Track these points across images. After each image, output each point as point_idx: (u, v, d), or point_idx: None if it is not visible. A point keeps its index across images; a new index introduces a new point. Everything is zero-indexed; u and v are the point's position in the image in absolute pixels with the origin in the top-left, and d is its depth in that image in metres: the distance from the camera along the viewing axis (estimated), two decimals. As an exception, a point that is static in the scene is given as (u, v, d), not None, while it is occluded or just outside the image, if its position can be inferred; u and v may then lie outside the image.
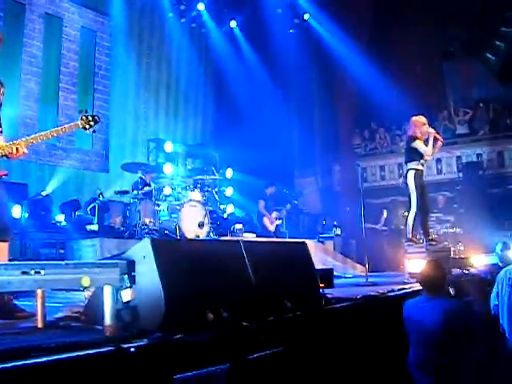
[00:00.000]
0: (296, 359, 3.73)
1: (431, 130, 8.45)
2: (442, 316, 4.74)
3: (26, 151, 4.56)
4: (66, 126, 4.83)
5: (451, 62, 15.98)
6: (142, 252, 3.57)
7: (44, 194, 10.06)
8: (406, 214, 8.83)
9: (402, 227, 10.71)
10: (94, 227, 9.33)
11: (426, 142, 8.44)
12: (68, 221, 9.63)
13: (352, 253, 11.24)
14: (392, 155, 15.37)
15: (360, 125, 16.12)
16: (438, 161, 14.86)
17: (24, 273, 3.24)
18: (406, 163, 8.65)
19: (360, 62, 13.84)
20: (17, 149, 4.50)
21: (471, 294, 7.01)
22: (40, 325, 3.75)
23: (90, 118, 4.83)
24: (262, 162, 12.09)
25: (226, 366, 2.99)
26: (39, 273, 3.28)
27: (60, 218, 9.73)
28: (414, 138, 8.46)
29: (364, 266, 8.95)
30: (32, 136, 4.65)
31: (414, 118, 8.70)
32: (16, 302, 4.55)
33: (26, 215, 9.00)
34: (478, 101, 15.37)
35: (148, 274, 3.51)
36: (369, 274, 8.33)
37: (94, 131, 4.92)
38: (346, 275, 9.51)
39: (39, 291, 3.63)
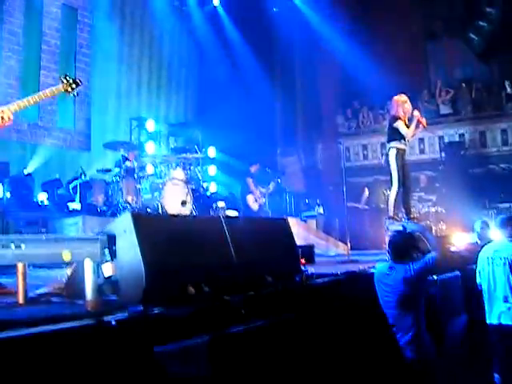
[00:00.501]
0: (276, 333, 3.76)
1: (416, 114, 8.46)
2: (403, 280, 5.12)
3: (11, 117, 4.46)
4: (48, 89, 4.74)
5: (434, 42, 16.01)
6: (123, 226, 3.58)
7: (25, 172, 9.99)
8: (388, 192, 8.87)
9: (384, 206, 10.80)
10: (77, 206, 9.29)
11: (409, 122, 8.46)
12: (50, 199, 9.58)
13: (335, 231, 11.29)
14: (375, 134, 15.37)
15: (343, 104, 16.13)
16: (421, 140, 14.91)
17: (4, 246, 3.24)
18: (387, 142, 8.68)
19: (343, 40, 13.82)
20: (1, 118, 4.41)
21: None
22: (21, 300, 3.74)
23: (71, 81, 4.75)
24: (245, 141, 12.07)
25: (206, 338, 3.00)
26: (19, 247, 3.28)
27: (42, 196, 9.67)
28: (396, 118, 8.48)
29: (346, 244, 9.00)
30: (15, 102, 4.56)
31: (395, 97, 8.72)
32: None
33: (8, 194, 8.93)
34: (461, 81, 15.42)
35: (129, 248, 3.53)
36: (351, 252, 8.38)
37: (76, 94, 4.82)
38: (329, 253, 9.57)
39: (20, 265, 3.61)
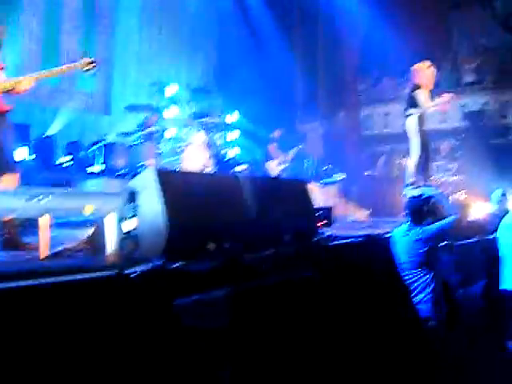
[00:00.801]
0: (292, 291, 3.81)
1: (445, 98, 8.42)
2: (419, 241, 5.37)
3: (28, 87, 4.59)
4: (66, 65, 4.90)
5: (459, 10, 15.73)
6: (146, 182, 3.62)
7: (47, 135, 10.07)
8: (406, 160, 8.88)
9: (400, 174, 10.80)
10: (98, 168, 9.36)
11: (431, 92, 8.44)
12: (71, 162, 9.66)
13: (354, 198, 11.27)
14: (395, 103, 15.18)
15: (365, 71, 15.95)
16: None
17: (29, 199, 3.31)
18: (407, 109, 8.65)
19: (366, 8, 13.63)
20: (21, 83, 4.53)
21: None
22: (43, 255, 3.82)
23: (90, 61, 4.88)
24: (267, 107, 12.02)
25: (224, 292, 3.06)
26: (44, 199, 3.34)
27: (63, 159, 9.75)
28: (417, 86, 8.45)
29: (365, 211, 9.03)
30: (35, 73, 4.71)
31: (417, 65, 8.67)
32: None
33: (30, 156, 9.02)
34: (485, 50, 15.17)
35: (151, 203, 3.57)
36: (370, 219, 8.41)
37: (93, 74, 4.98)
38: (347, 219, 9.58)
39: (43, 220, 3.67)
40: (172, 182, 3.71)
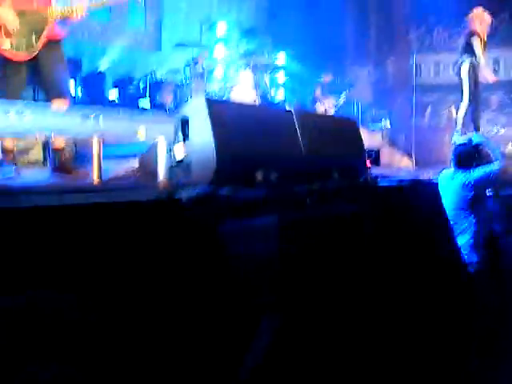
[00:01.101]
0: (338, 226, 3.81)
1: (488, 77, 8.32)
2: (464, 185, 5.38)
3: (82, 14, 4.60)
4: None
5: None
6: (197, 110, 3.64)
7: (97, 70, 10.14)
8: (455, 110, 8.76)
9: (448, 123, 10.63)
10: (146, 104, 9.42)
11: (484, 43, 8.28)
12: (120, 97, 9.74)
13: (400, 146, 11.15)
14: (448, 52, 14.80)
15: (418, 18, 15.54)
16: (495, 61, 14.35)
17: (83, 118, 3.36)
18: (461, 55, 8.49)
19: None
20: (74, 10, 4.55)
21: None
22: (95, 180, 3.89)
23: None
24: (316, 50, 11.84)
25: (272, 219, 3.09)
26: (98, 119, 3.39)
27: (113, 93, 9.84)
28: (473, 34, 8.27)
29: (411, 159, 8.94)
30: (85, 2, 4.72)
31: (474, 11, 8.46)
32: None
33: (80, 90, 9.12)
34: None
35: (201, 131, 3.60)
36: (415, 167, 8.33)
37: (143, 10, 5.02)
38: (393, 166, 9.50)
39: (95, 143, 3.71)
40: (222, 112, 3.72)
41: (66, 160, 4.69)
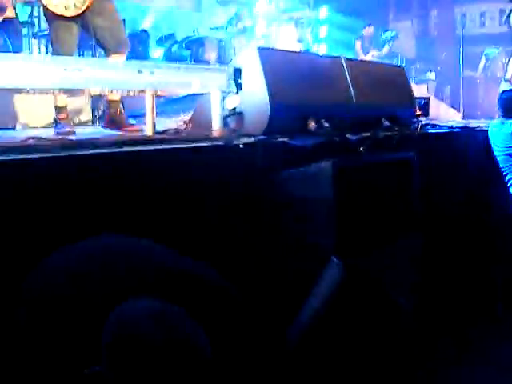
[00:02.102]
0: (392, 171, 3.83)
1: None
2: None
3: None
4: None
5: None
6: (250, 59, 3.67)
7: (141, 29, 10.21)
8: (505, 59, 8.56)
9: (500, 75, 10.38)
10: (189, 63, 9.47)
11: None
12: (164, 55, 9.82)
13: (446, 99, 11.03)
14: (491, 2, 14.44)
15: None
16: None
17: (139, 72, 3.43)
18: (510, 2, 8.25)
19: None
20: None
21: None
22: (149, 133, 3.96)
23: None
24: (358, 3, 11.71)
25: (329, 164, 3.13)
26: (153, 72, 3.46)
27: (157, 52, 9.92)
28: None
29: (458, 111, 8.82)
30: None
31: None
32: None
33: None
34: None
35: (254, 80, 3.63)
36: (463, 120, 8.23)
37: None
38: (439, 118, 9.40)
39: (149, 96, 3.77)
40: (274, 61, 3.74)
41: (119, 116, 4.80)
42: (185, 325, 1.51)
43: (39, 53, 7.93)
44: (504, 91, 5.74)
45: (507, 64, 8.28)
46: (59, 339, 1.64)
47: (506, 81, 8.14)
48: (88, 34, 4.56)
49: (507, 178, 5.42)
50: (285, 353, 2.15)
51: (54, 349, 1.64)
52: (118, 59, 4.30)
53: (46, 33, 7.16)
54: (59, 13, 4.32)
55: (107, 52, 4.54)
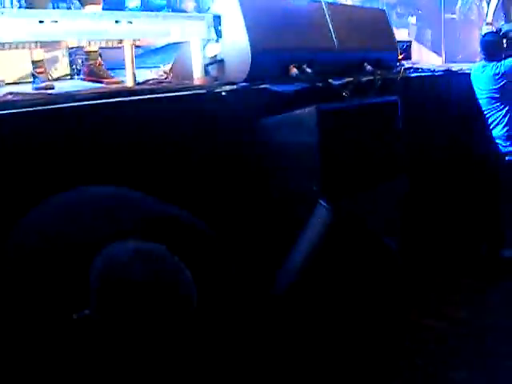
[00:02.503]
0: (376, 114, 3.82)
1: None
2: (494, 75, 5.40)
3: None
4: None
5: None
6: (229, 6, 3.60)
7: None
8: (486, 2, 8.54)
9: (475, 18, 10.40)
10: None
11: None
12: (141, 5, 9.62)
13: (427, 42, 10.93)
14: None
15: None
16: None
17: (117, 22, 3.36)
18: None
19: None
20: None
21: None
22: (130, 84, 3.90)
23: None
24: None
25: (313, 108, 3.12)
26: (131, 22, 3.39)
27: (133, 3, 9.71)
28: None
29: (440, 55, 8.78)
30: None
31: None
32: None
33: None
34: None
35: (235, 27, 3.57)
36: (445, 63, 8.19)
37: None
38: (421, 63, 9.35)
39: (127, 45, 3.69)
40: (255, 7, 3.68)
41: (98, 67, 4.70)
42: (172, 263, 1.52)
43: (11, 5, 7.74)
44: (486, 34, 5.75)
45: (483, 7, 8.32)
46: (44, 289, 1.64)
47: (487, 24, 8.16)
48: None
49: (490, 120, 5.46)
50: (274, 296, 2.17)
51: (39, 300, 1.64)
52: (94, 9, 4.20)
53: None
54: None
55: (82, 2, 4.43)
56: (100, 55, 4.82)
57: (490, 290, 5.11)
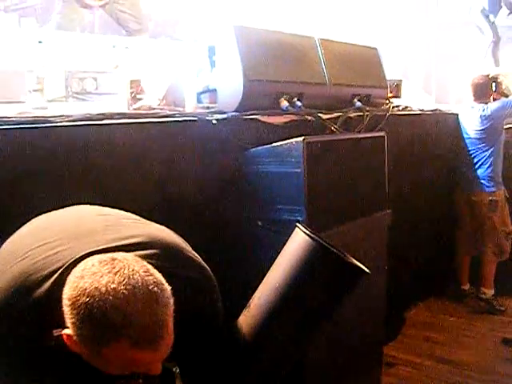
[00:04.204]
0: (362, 147, 3.88)
1: None
2: (481, 117, 5.61)
3: None
4: None
5: None
6: (224, 37, 3.68)
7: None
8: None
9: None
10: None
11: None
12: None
13: (418, 82, 11.09)
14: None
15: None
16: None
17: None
18: None
19: None
20: None
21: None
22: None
23: None
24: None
25: (298, 141, 3.17)
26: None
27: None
28: None
29: (431, 96, 8.94)
30: None
31: None
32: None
33: None
34: None
35: (229, 58, 3.65)
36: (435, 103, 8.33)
37: None
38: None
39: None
40: (249, 38, 3.75)
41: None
42: None
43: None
44: (476, 77, 5.89)
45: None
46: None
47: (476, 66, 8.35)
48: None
49: (475, 160, 5.57)
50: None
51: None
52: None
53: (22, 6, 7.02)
54: None
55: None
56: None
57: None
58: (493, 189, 5.56)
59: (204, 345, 1.85)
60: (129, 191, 2.86)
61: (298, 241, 2.00)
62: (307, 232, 1.98)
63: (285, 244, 2.11)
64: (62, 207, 2.00)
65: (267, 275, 2.12)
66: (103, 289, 1.41)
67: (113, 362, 1.47)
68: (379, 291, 3.90)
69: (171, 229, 1.95)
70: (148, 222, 1.96)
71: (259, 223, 3.39)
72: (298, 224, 2.05)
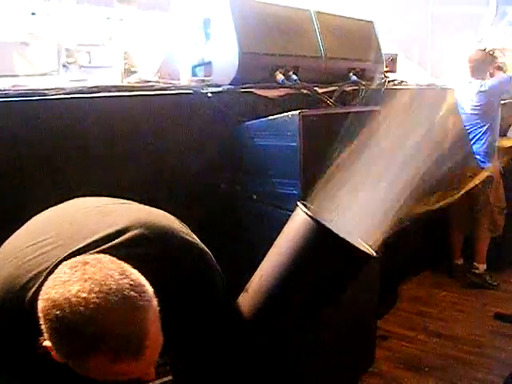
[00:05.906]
0: (360, 121, 3.87)
1: None
2: (478, 92, 5.59)
3: None
4: None
5: None
6: (220, 9, 3.65)
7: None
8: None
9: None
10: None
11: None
12: None
13: (414, 56, 11.03)
14: None
15: None
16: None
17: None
18: None
19: None
20: None
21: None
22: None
23: None
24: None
25: (294, 115, 3.16)
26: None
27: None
28: None
29: (426, 71, 8.90)
30: None
31: None
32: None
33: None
34: None
35: (224, 30, 3.62)
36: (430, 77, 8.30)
37: None
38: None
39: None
40: (245, 11, 3.72)
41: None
42: None
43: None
44: (474, 50, 5.86)
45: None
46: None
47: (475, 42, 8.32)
48: None
49: (470, 135, 5.56)
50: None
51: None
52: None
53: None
54: None
55: None
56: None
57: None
58: (488, 164, 5.57)
59: (204, 328, 1.77)
60: (124, 164, 2.85)
61: (302, 223, 1.91)
62: (315, 218, 1.88)
63: (285, 224, 2.04)
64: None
65: (268, 256, 2.05)
66: (73, 299, 1.29)
67: (98, 373, 1.36)
68: (373, 266, 3.91)
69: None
70: (142, 206, 1.86)
71: (254, 196, 3.39)
72: (299, 203, 1.98)
